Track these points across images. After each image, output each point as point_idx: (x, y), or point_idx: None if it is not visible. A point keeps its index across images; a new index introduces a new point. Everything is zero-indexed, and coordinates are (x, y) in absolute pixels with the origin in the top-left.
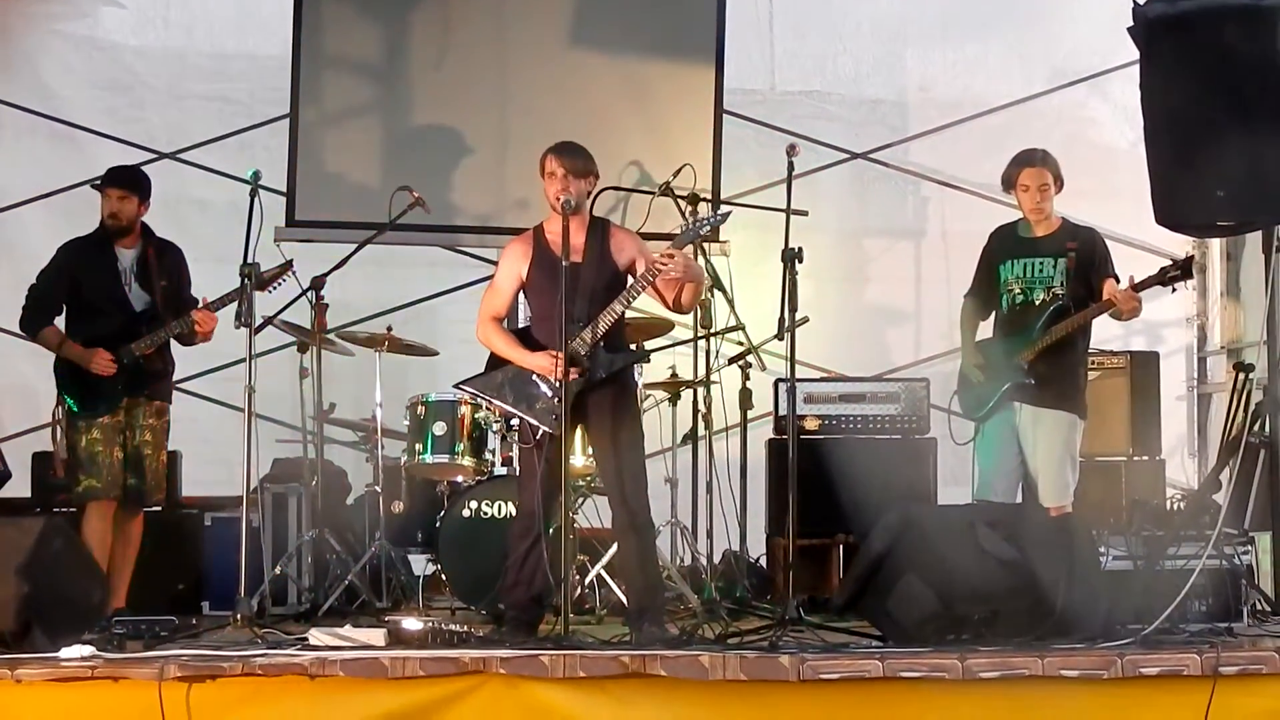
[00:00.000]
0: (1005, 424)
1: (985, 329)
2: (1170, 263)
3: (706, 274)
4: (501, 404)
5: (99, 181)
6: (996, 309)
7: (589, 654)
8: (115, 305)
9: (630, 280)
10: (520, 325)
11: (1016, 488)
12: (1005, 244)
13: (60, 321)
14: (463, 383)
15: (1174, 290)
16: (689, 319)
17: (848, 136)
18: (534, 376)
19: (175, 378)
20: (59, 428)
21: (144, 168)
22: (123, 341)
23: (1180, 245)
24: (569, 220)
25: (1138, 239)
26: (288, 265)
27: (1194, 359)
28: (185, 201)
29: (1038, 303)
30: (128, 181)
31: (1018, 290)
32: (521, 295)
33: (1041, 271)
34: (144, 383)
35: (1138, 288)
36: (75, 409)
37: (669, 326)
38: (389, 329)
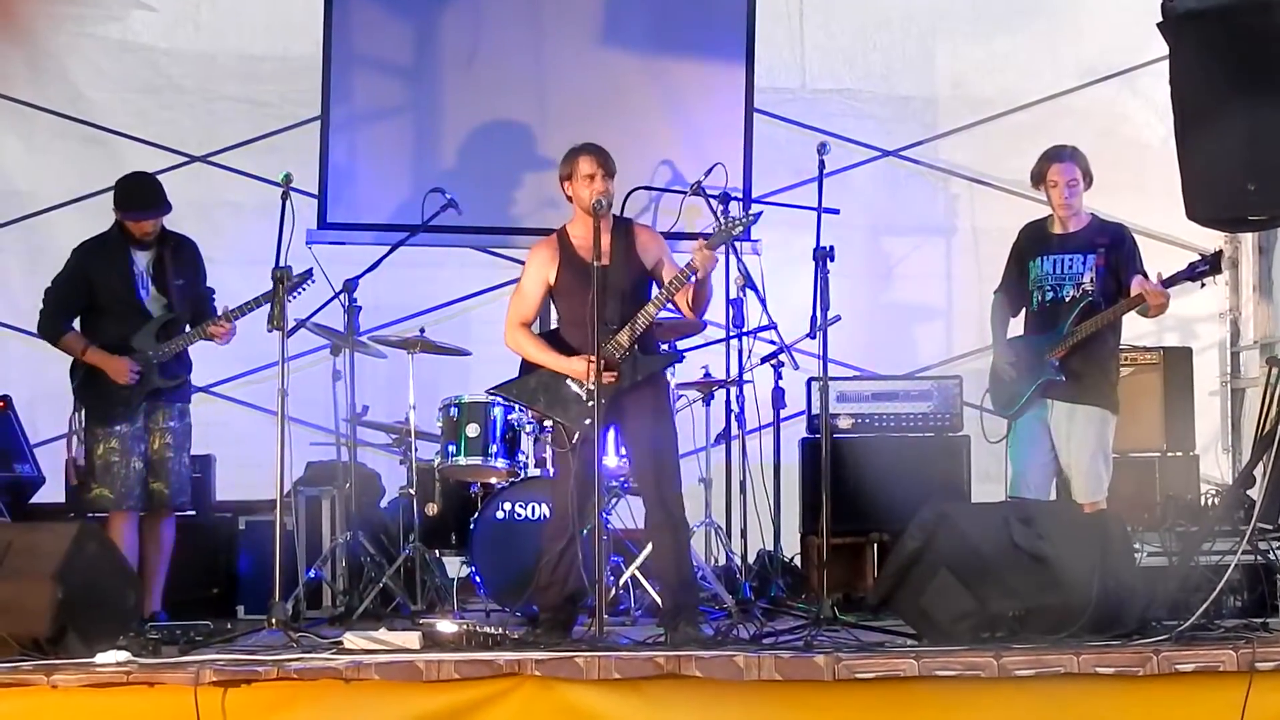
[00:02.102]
0: (1038, 421)
1: (1016, 326)
2: (1199, 257)
3: (739, 273)
4: (536, 408)
5: (120, 203)
6: (1026, 305)
7: (624, 655)
8: (131, 309)
9: (666, 280)
10: (550, 328)
11: (1050, 484)
12: (1035, 240)
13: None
14: (496, 388)
15: (1203, 285)
16: (722, 318)
17: (879, 134)
18: (567, 379)
19: (208, 381)
20: (76, 436)
21: (175, 171)
22: (139, 347)
23: (1212, 240)
24: (600, 221)
25: (1169, 234)
26: (306, 275)
27: (1227, 354)
28: (216, 204)
29: (1068, 299)
30: (156, 205)
31: (1047, 286)
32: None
33: (1071, 268)
34: (162, 386)
35: (1166, 283)
36: (92, 416)
37: (701, 326)
38: (421, 331)
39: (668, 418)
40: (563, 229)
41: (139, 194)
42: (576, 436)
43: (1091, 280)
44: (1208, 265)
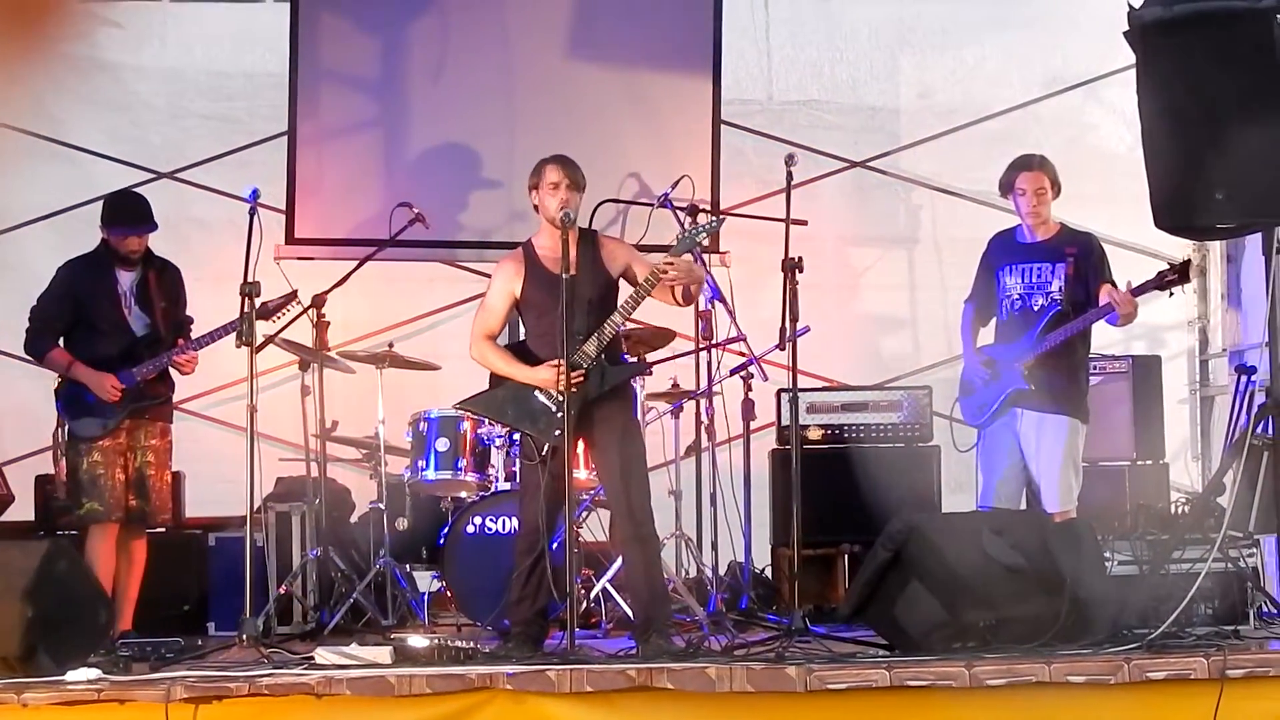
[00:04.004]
0: (1007, 430)
1: (986, 335)
2: (1167, 267)
3: (707, 285)
4: (504, 422)
5: (106, 220)
6: (996, 315)
7: (595, 668)
8: (115, 327)
9: (631, 290)
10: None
11: (1020, 494)
12: (1004, 250)
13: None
14: (464, 402)
15: (1171, 294)
16: (690, 330)
17: (846, 145)
18: (535, 392)
19: (178, 398)
20: (59, 450)
21: (143, 187)
22: (122, 364)
23: (1180, 248)
24: (567, 233)
25: (1138, 243)
26: (292, 295)
27: (1196, 362)
28: (185, 221)
29: (1036, 308)
30: (142, 221)
31: (1016, 296)
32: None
33: (1040, 277)
34: (145, 404)
35: (1135, 292)
36: (75, 431)
37: (670, 338)
38: (390, 345)
39: (636, 430)
40: (528, 241)
41: (125, 210)
42: (546, 448)
43: (1060, 289)
44: (1176, 274)
